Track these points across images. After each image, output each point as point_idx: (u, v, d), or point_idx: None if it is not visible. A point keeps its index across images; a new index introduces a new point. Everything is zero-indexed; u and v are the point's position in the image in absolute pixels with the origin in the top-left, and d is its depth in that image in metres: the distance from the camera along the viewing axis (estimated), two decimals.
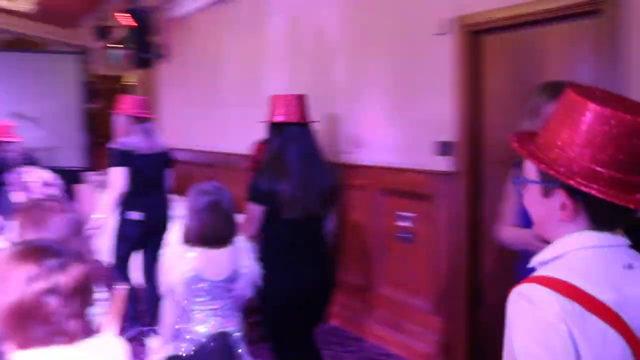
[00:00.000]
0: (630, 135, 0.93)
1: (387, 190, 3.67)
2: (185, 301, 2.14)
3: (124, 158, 3.40)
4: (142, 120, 3.56)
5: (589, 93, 0.99)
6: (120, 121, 3.59)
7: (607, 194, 0.93)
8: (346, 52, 3.97)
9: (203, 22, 6.00)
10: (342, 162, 3.92)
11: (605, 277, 0.96)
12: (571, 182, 0.95)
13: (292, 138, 2.46)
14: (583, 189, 0.94)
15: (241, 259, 2.22)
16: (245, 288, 2.26)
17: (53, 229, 1.62)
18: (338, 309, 3.72)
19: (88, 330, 1.13)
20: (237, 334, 2.21)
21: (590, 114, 0.94)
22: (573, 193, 0.97)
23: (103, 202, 3.51)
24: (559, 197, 1.00)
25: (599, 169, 0.94)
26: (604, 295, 0.93)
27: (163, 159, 3.67)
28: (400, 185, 3.56)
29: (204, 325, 2.14)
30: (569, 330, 0.90)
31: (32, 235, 1.59)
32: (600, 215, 0.99)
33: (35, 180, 2.74)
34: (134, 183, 3.42)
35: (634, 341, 0.93)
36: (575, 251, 0.99)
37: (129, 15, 6.28)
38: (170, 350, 2.14)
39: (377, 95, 3.72)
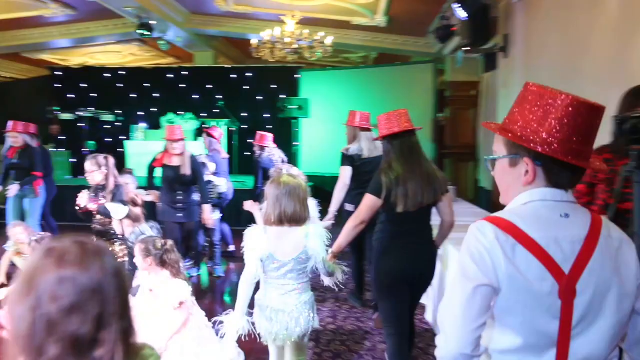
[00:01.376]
0: (577, 115, 1.18)
1: None
2: (260, 276, 2.56)
3: (348, 160, 4.15)
4: (364, 130, 4.24)
5: (544, 86, 1.25)
6: (349, 131, 4.31)
7: (564, 157, 1.18)
8: None
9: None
10: None
11: (541, 221, 1.20)
12: (538, 149, 1.19)
13: (401, 145, 2.80)
14: (546, 153, 1.19)
15: (312, 242, 2.53)
16: (321, 270, 2.60)
17: None
18: None
19: None
20: (305, 308, 2.55)
21: (550, 100, 1.21)
22: (535, 159, 1.22)
23: (334, 196, 4.21)
24: (524, 165, 1.24)
25: (552, 139, 1.19)
26: (535, 233, 1.18)
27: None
28: None
29: (273, 298, 2.53)
30: (499, 254, 1.16)
31: None
32: (555, 177, 1.23)
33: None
34: (354, 180, 4.11)
35: (553, 267, 1.16)
36: (529, 203, 1.24)
37: (462, 7, 5.45)
38: (243, 320, 2.55)
39: None
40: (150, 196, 4.88)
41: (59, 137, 10.95)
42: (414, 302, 2.92)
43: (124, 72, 11.27)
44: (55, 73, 11.27)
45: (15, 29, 9.58)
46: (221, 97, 10.74)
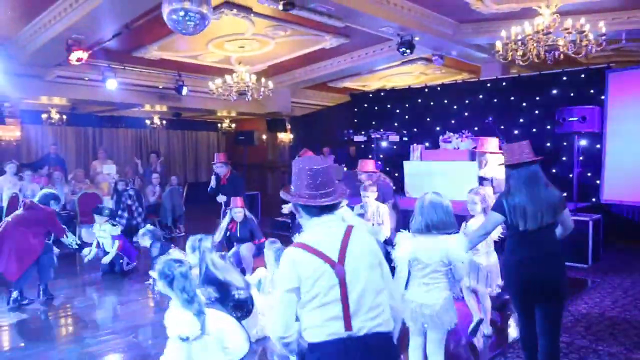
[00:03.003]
0: (308, 171, 2.08)
1: None
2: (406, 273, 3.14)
3: None
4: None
5: (301, 159, 2.25)
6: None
7: (304, 202, 2.08)
8: None
9: None
10: None
11: (315, 234, 2.06)
12: (290, 199, 2.11)
13: (520, 175, 3.15)
14: (297, 201, 2.09)
15: (453, 250, 2.95)
16: (456, 272, 3.02)
17: None
18: None
19: None
20: (445, 304, 3.01)
21: (296, 165, 2.13)
22: (296, 204, 2.12)
23: None
24: (297, 210, 2.16)
25: (301, 191, 2.08)
26: (312, 242, 2.02)
27: None
28: None
29: (417, 293, 3.03)
30: (296, 263, 1.99)
31: None
32: (308, 211, 2.10)
33: None
34: None
35: (327, 259, 1.98)
36: (308, 229, 2.11)
37: None
38: None
39: None
40: None
41: (355, 158, 11.80)
42: (543, 313, 3.14)
43: (410, 93, 11.27)
44: (354, 98, 12.21)
45: (312, 63, 10.81)
46: (509, 111, 9.53)
